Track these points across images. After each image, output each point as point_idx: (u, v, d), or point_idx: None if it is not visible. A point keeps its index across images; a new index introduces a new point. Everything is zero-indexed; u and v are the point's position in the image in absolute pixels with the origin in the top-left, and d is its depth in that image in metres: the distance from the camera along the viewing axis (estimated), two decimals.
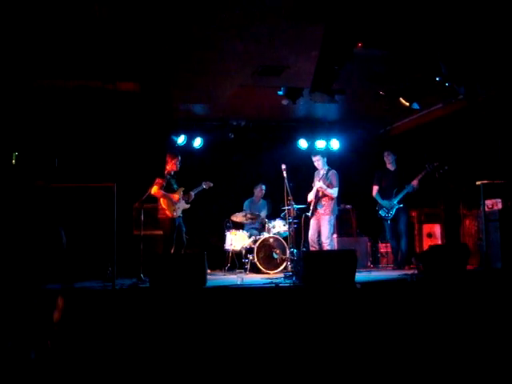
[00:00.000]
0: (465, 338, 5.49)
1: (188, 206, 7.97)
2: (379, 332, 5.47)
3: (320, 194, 8.19)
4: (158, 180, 7.65)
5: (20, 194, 6.91)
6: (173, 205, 7.68)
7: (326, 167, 8.39)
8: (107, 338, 5.15)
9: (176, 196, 7.77)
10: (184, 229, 7.90)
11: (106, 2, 5.29)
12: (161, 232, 7.93)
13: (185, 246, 7.87)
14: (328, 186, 8.15)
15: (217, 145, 10.20)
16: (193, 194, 8.00)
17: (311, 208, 8.28)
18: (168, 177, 7.81)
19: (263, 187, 9.80)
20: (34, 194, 7.04)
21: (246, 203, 9.77)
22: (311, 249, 8.18)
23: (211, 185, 8.26)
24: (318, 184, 8.21)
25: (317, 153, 8.59)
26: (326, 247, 7.97)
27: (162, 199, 7.65)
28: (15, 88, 7.07)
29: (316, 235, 8.19)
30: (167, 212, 7.64)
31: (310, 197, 8.35)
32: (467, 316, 5.68)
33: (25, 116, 7.50)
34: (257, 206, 9.73)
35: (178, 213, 7.77)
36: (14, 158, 7.23)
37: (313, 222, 8.26)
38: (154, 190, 7.59)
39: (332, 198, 8.16)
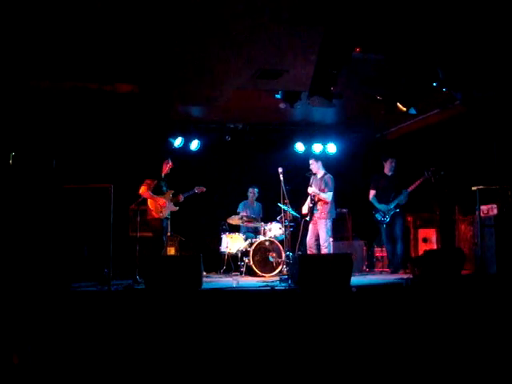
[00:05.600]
0: (459, 343, 5.51)
1: (176, 208, 8.00)
2: (374, 336, 5.48)
3: (316, 198, 8.18)
4: (146, 181, 7.75)
5: (17, 194, 6.90)
6: (159, 206, 7.72)
7: (323, 171, 8.39)
8: (103, 339, 5.15)
9: (162, 198, 7.80)
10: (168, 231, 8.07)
11: (105, 3, 5.30)
12: None
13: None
14: (322, 191, 8.13)
15: (214, 147, 10.19)
16: (182, 197, 8.04)
17: (308, 213, 8.28)
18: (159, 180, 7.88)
19: (256, 190, 9.80)
20: (31, 194, 7.03)
21: (241, 206, 9.77)
22: (308, 253, 8.17)
23: (204, 190, 8.28)
24: (310, 189, 8.20)
25: (311, 156, 8.61)
26: (324, 250, 7.92)
27: (149, 200, 7.73)
28: (13, 89, 7.07)
29: (313, 239, 8.18)
30: (153, 213, 7.70)
31: (305, 209, 8.36)
32: (462, 321, 5.70)
33: (22, 117, 7.50)
34: (252, 209, 9.73)
35: (165, 214, 7.81)
36: (11, 158, 7.22)
37: (310, 227, 8.24)
38: (142, 189, 7.67)
39: (326, 202, 8.12)
